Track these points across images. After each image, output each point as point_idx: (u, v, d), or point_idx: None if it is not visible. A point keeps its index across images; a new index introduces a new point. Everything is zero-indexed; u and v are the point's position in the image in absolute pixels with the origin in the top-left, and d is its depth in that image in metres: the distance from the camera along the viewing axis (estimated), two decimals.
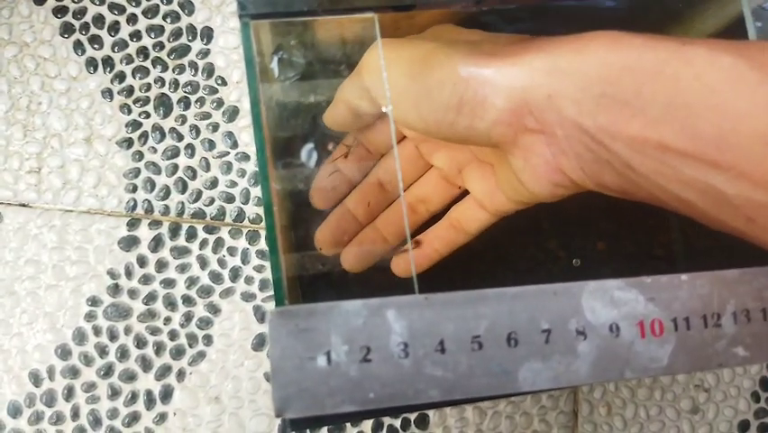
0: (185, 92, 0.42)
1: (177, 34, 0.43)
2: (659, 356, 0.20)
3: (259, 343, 0.41)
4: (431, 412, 0.42)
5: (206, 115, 0.42)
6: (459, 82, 0.19)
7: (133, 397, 0.40)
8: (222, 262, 0.41)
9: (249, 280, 0.41)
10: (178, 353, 0.41)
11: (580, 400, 0.43)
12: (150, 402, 0.40)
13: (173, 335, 0.41)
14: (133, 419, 0.40)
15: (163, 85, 0.42)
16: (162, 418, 0.40)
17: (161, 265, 0.41)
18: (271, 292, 0.42)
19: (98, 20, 0.42)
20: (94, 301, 0.40)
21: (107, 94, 0.42)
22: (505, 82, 0.19)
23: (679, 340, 0.20)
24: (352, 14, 0.21)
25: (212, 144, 0.42)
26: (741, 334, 0.21)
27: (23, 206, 0.41)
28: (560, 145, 0.20)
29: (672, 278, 0.20)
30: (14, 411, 0.40)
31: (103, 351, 0.40)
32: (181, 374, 0.40)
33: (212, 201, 0.42)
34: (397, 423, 0.42)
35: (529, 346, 0.19)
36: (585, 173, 0.20)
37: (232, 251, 0.42)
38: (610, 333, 0.20)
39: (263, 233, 0.42)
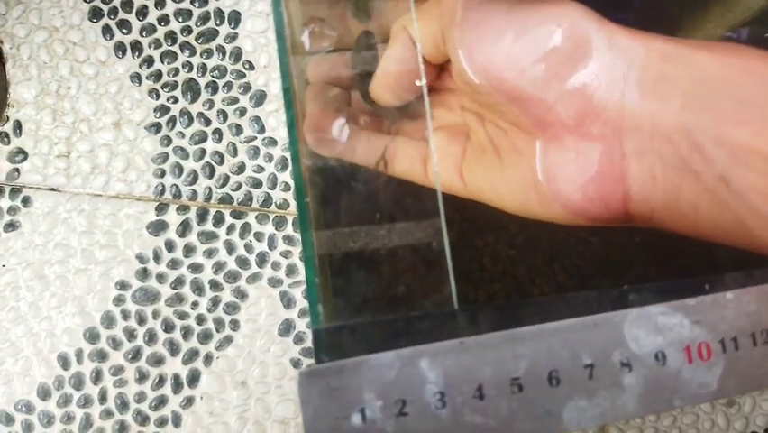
0: (212, 77, 0.42)
1: (204, 18, 0.42)
2: (708, 381, 0.19)
3: (285, 328, 0.41)
4: None
5: (234, 100, 0.42)
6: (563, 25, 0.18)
7: (161, 381, 0.40)
8: (249, 248, 0.41)
9: (276, 266, 0.41)
10: (205, 337, 0.40)
11: None
12: (177, 386, 0.40)
13: (200, 319, 0.41)
14: (161, 402, 0.40)
15: (191, 69, 0.42)
16: (189, 402, 0.40)
17: (189, 250, 0.41)
18: (298, 278, 0.41)
19: (126, 4, 0.42)
20: (122, 285, 0.41)
21: (136, 78, 0.42)
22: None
23: (728, 362, 0.19)
24: None
25: (239, 129, 0.42)
26: None
27: (53, 190, 0.41)
28: (637, 145, 0.18)
29: (716, 297, 0.20)
30: (44, 394, 0.40)
31: (131, 335, 0.40)
32: (208, 359, 0.40)
33: (239, 186, 0.41)
34: None
35: (572, 384, 0.18)
36: (652, 185, 0.18)
37: (258, 236, 0.41)
38: (656, 361, 0.19)
39: (290, 218, 0.42)
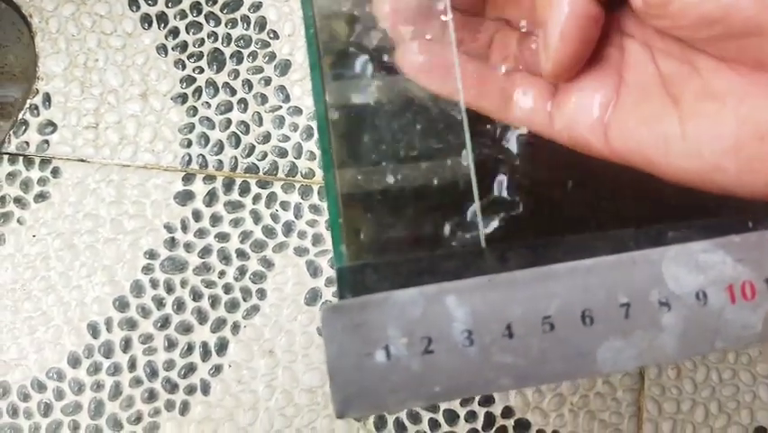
0: (237, 46, 0.42)
1: None
2: (752, 322, 0.18)
3: (312, 297, 0.41)
4: None
5: (259, 70, 0.42)
6: None
7: (189, 349, 0.40)
8: (275, 217, 0.41)
9: (302, 235, 0.41)
10: (232, 306, 0.40)
11: None
12: (205, 354, 0.40)
13: (228, 288, 0.41)
14: (189, 370, 0.40)
15: (216, 40, 0.42)
16: (218, 370, 0.40)
17: (216, 219, 0.41)
18: (324, 247, 0.41)
19: None
20: (151, 255, 0.41)
21: (162, 50, 0.42)
22: None
23: None
24: None
25: (264, 99, 0.42)
26: None
27: (82, 161, 0.41)
28: None
29: (761, 234, 0.19)
30: (74, 362, 0.40)
31: (160, 303, 0.40)
32: (236, 327, 0.40)
33: (264, 156, 0.41)
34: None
35: (607, 324, 0.18)
36: None
37: (284, 205, 0.41)
38: (697, 301, 0.18)
39: (316, 187, 0.41)
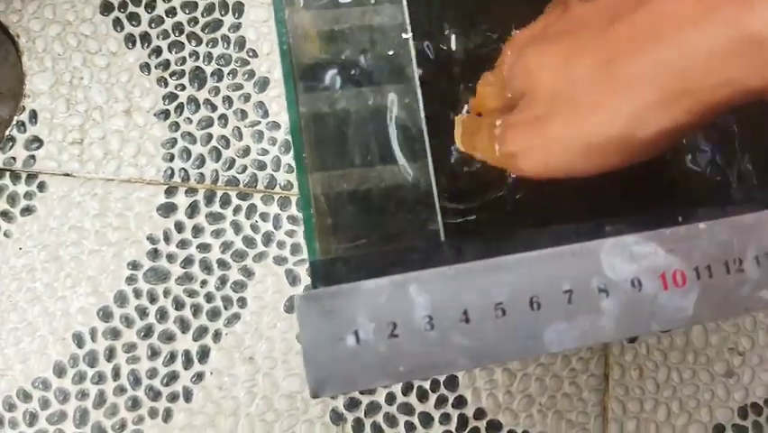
0: (218, 65, 0.44)
1: (210, 9, 0.44)
2: (684, 306, 0.20)
3: (291, 306, 0.42)
4: (460, 374, 0.42)
5: (239, 87, 0.44)
6: None
7: (172, 357, 0.42)
8: (255, 228, 0.43)
9: (281, 245, 0.43)
10: (214, 314, 0.42)
11: (611, 364, 0.43)
12: (187, 362, 0.42)
13: (209, 297, 0.42)
14: (172, 378, 0.41)
15: (198, 58, 0.44)
16: (200, 377, 0.41)
17: (197, 231, 0.42)
18: (302, 256, 0.43)
19: None
20: (134, 265, 0.42)
21: (145, 68, 0.44)
22: None
23: (702, 289, 0.20)
24: None
25: (244, 114, 0.43)
26: (765, 277, 0.21)
27: (67, 175, 0.43)
28: None
29: (690, 228, 0.21)
30: (59, 371, 0.41)
31: (143, 313, 0.42)
32: (217, 335, 0.42)
33: (244, 169, 0.43)
34: (427, 385, 0.43)
35: (552, 308, 0.20)
36: None
37: (264, 216, 0.43)
38: (632, 288, 0.20)
39: (294, 199, 0.43)
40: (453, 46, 0.24)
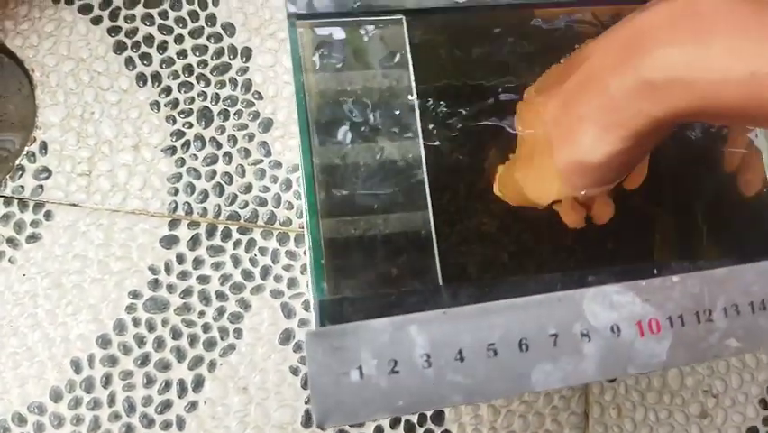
0: (225, 105, 0.46)
1: (219, 53, 0.47)
2: (658, 352, 0.23)
3: (285, 338, 0.44)
4: (447, 409, 0.44)
5: (243, 126, 0.46)
6: None
7: (167, 385, 0.43)
8: (253, 261, 0.44)
9: (278, 279, 0.44)
10: (210, 345, 0.43)
11: (591, 402, 0.45)
12: (182, 391, 0.43)
13: (206, 327, 0.43)
14: (166, 406, 0.42)
15: (205, 98, 0.46)
16: (193, 406, 0.43)
17: (198, 263, 0.44)
18: (298, 290, 0.44)
19: (148, 39, 0.47)
20: (135, 295, 0.43)
21: (155, 106, 0.46)
22: None
23: (675, 336, 0.23)
24: (384, 16, 0.24)
25: (247, 153, 0.46)
26: (732, 327, 0.23)
27: (74, 205, 0.44)
28: None
29: (664, 280, 0.23)
30: (56, 396, 0.42)
31: (141, 341, 0.43)
32: (212, 365, 0.43)
33: (246, 204, 0.45)
34: (414, 419, 0.44)
35: (539, 350, 0.22)
36: None
37: (263, 251, 0.45)
38: (612, 334, 0.22)
39: (292, 235, 0.45)
40: (455, 106, 0.26)
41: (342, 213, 0.23)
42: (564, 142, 0.23)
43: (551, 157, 0.23)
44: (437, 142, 0.25)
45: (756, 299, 0.24)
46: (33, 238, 0.44)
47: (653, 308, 0.23)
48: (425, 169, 0.23)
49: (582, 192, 0.24)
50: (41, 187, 0.44)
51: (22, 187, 0.44)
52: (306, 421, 0.43)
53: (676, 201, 0.27)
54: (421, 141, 0.24)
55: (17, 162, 0.44)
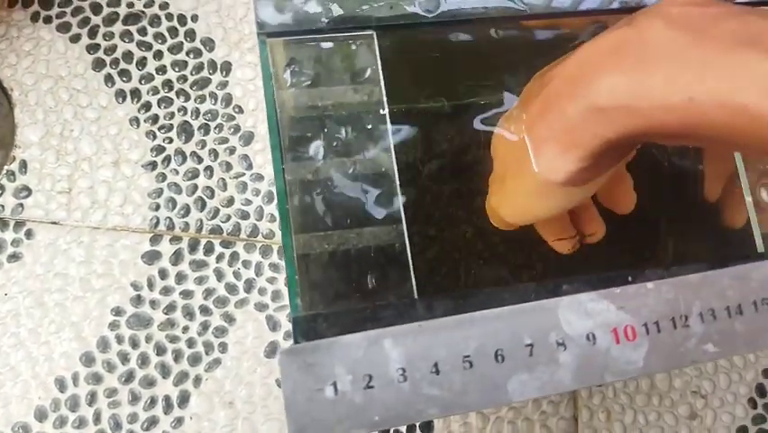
0: (205, 119, 0.46)
1: (199, 68, 0.47)
2: (634, 359, 0.23)
3: (271, 351, 0.44)
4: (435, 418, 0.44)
5: (224, 140, 0.46)
6: None
7: (152, 402, 0.42)
8: (237, 275, 0.44)
9: (262, 291, 0.44)
10: (195, 360, 0.43)
11: (579, 407, 0.45)
12: (168, 407, 0.42)
13: (191, 343, 0.43)
14: (152, 423, 0.42)
15: (185, 113, 0.46)
16: (179, 422, 0.42)
17: (181, 277, 0.44)
18: (283, 303, 0.44)
19: (127, 56, 0.47)
20: (117, 311, 0.43)
21: (134, 122, 0.46)
22: None
23: (651, 343, 0.23)
24: (354, 32, 0.25)
25: (229, 166, 0.45)
26: (709, 332, 0.23)
27: (54, 223, 0.44)
28: None
29: (638, 287, 0.23)
30: (40, 416, 0.42)
31: (125, 358, 0.43)
32: (198, 380, 0.43)
33: (228, 218, 0.45)
34: (403, 429, 0.44)
35: (515, 361, 0.22)
36: None
37: (246, 264, 0.44)
38: (587, 341, 0.22)
39: (275, 247, 0.45)
40: (426, 119, 0.26)
41: (316, 228, 0.23)
42: (528, 164, 0.24)
43: (522, 176, 0.24)
44: (410, 156, 0.25)
45: (732, 304, 0.24)
46: (14, 257, 0.43)
47: (628, 315, 0.23)
48: (397, 182, 0.23)
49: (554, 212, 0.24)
50: (21, 205, 0.44)
51: (2, 206, 0.44)
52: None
53: (651, 207, 0.28)
54: (393, 155, 0.24)
55: None
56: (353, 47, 0.25)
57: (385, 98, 0.24)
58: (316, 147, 0.24)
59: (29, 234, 0.44)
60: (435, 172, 0.26)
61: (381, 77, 0.24)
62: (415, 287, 0.23)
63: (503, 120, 0.26)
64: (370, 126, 0.24)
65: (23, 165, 0.45)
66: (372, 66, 0.24)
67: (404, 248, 0.23)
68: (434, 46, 0.26)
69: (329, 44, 0.25)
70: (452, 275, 0.24)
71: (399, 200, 0.23)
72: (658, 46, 0.20)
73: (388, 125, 0.24)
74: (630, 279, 0.23)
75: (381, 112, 0.24)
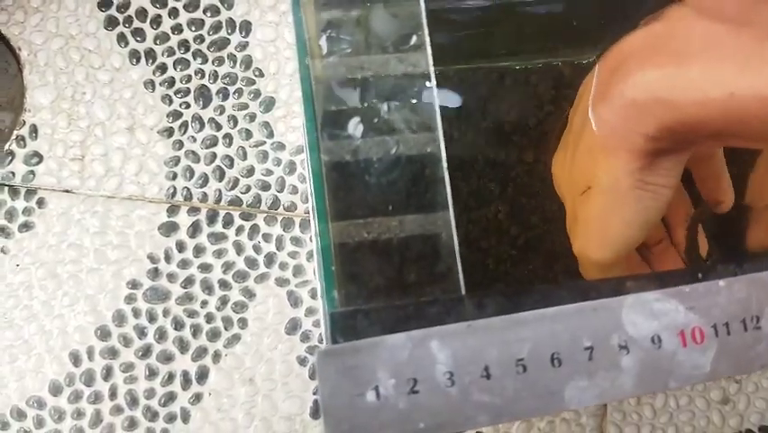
0: (223, 83, 0.43)
1: (216, 28, 0.44)
2: (701, 363, 0.21)
3: (292, 327, 0.42)
4: None
5: (244, 106, 0.43)
6: None
7: (170, 377, 0.41)
8: (257, 248, 0.42)
9: (283, 266, 0.42)
10: (213, 335, 0.42)
11: None
12: (186, 383, 0.41)
13: (209, 318, 0.42)
14: (170, 398, 0.41)
15: (203, 76, 0.43)
16: (198, 398, 0.41)
17: (199, 250, 0.42)
18: (304, 278, 0.43)
19: (141, 13, 0.44)
20: (134, 284, 0.42)
21: (149, 85, 0.43)
22: None
23: (720, 346, 0.21)
24: None
25: (249, 134, 0.43)
26: None
27: (67, 192, 0.42)
28: None
29: (709, 285, 0.21)
30: (55, 390, 0.41)
31: (141, 332, 0.41)
32: (217, 356, 0.41)
33: (248, 189, 0.43)
34: None
35: (573, 365, 0.20)
36: None
37: (267, 237, 0.43)
38: (652, 345, 0.20)
39: (297, 220, 0.43)
40: (479, 92, 0.24)
41: (354, 215, 0.21)
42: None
43: (588, 200, 0.23)
44: (459, 135, 0.23)
45: None
46: (26, 227, 0.42)
47: (696, 315, 0.21)
48: (445, 165, 0.21)
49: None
50: (33, 173, 0.42)
51: (13, 173, 0.42)
52: (315, 413, 0.42)
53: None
54: (440, 133, 0.21)
55: (6, 147, 0.42)
56: (397, 10, 0.22)
57: (432, 69, 0.21)
58: (355, 124, 0.22)
59: (41, 202, 0.42)
60: (489, 153, 0.23)
61: (428, 44, 0.22)
62: (462, 282, 0.21)
63: (555, 159, 0.24)
64: (414, 101, 0.22)
65: (34, 130, 0.42)
66: (418, 32, 0.22)
67: (450, 238, 0.21)
68: (485, 11, 0.24)
69: (370, 7, 0.23)
70: (504, 270, 0.22)
71: (447, 184, 0.21)
72: (692, 38, 0.19)
73: (435, 99, 0.21)
74: (700, 276, 0.21)
75: (428, 84, 0.22)
